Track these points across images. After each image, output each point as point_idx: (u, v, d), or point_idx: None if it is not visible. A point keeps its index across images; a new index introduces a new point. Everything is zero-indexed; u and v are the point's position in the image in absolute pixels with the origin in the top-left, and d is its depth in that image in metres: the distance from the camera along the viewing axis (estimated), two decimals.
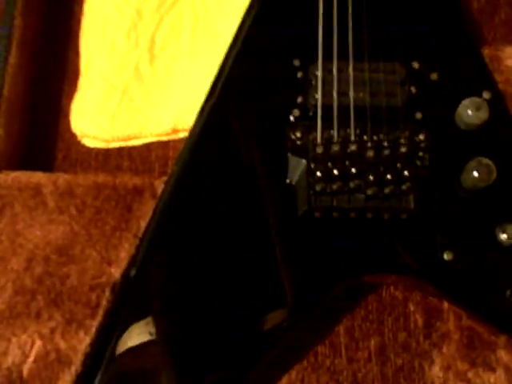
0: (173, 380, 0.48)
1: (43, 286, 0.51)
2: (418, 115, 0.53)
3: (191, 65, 0.62)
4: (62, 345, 0.50)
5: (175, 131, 0.60)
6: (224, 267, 0.50)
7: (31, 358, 0.50)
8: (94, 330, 0.50)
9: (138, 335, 0.48)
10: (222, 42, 0.57)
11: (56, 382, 0.49)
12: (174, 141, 0.61)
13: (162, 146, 0.61)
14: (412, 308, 0.54)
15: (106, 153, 0.61)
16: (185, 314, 0.49)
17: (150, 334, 0.48)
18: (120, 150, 0.61)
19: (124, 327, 0.48)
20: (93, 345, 0.50)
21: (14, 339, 0.50)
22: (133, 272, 0.50)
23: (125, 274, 0.51)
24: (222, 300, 0.49)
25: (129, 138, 0.61)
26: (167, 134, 0.61)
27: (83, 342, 0.50)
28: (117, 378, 0.48)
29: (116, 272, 0.52)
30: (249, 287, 0.50)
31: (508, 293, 0.49)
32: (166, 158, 0.61)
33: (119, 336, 0.48)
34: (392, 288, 0.55)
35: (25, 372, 0.49)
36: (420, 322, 0.54)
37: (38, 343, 0.50)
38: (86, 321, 0.50)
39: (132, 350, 0.48)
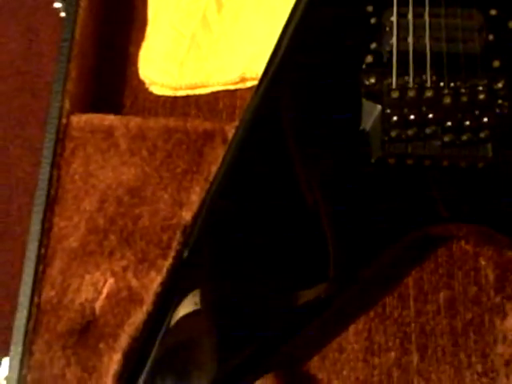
0: (217, 345, 0.48)
1: (115, 226, 0.52)
2: (496, 63, 0.51)
3: (259, 13, 0.62)
4: (134, 283, 0.51)
5: (243, 80, 0.60)
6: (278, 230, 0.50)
7: (103, 295, 0.51)
8: (164, 270, 0.51)
9: (187, 305, 0.48)
10: None
11: (128, 320, 0.50)
12: (241, 90, 0.61)
13: (229, 94, 0.61)
14: (483, 263, 0.54)
15: (174, 100, 0.61)
16: (235, 279, 0.49)
17: (195, 303, 0.48)
18: (187, 98, 0.61)
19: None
20: (164, 284, 0.51)
21: (87, 276, 0.51)
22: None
23: (195, 217, 0.52)
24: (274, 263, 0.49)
25: (196, 87, 0.61)
26: (235, 83, 0.60)
27: (154, 281, 0.50)
28: (168, 347, 0.48)
29: (187, 215, 0.52)
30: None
31: None
32: (234, 107, 0.61)
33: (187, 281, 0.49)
34: (463, 242, 0.54)
35: (97, 308, 0.50)
36: (491, 276, 0.53)
37: (111, 281, 0.51)
38: (158, 261, 0.51)
39: (180, 321, 0.48)
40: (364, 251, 0.49)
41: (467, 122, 0.48)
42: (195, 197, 0.52)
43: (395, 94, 0.50)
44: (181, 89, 0.61)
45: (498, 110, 0.50)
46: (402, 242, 0.51)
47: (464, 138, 0.48)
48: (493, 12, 0.53)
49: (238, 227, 0.50)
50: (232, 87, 0.61)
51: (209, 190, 0.52)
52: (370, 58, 0.52)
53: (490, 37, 0.52)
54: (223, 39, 0.62)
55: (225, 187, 0.51)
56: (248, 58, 0.60)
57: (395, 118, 0.49)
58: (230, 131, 0.54)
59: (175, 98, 0.61)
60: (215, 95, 0.61)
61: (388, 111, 0.49)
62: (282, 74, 0.54)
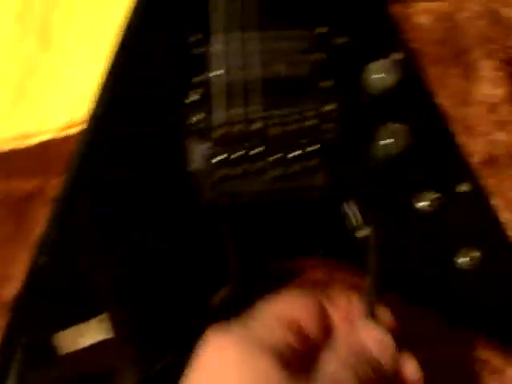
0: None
1: None
2: (326, 83, 0.49)
3: (88, 51, 0.58)
4: None
5: (72, 125, 0.56)
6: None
7: None
8: None
9: (92, 333, 0.44)
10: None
11: None
12: (73, 135, 0.57)
13: (61, 142, 0.57)
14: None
15: (2, 155, 0.56)
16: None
17: (108, 330, 0.44)
18: (17, 150, 0.56)
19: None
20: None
21: None
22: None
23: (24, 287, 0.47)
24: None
25: (26, 137, 0.56)
26: (65, 129, 0.56)
27: None
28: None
29: (10, 291, 0.47)
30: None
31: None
32: (66, 155, 0.56)
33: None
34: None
35: None
36: None
37: None
38: None
39: (88, 350, 0.44)
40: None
41: (295, 153, 0.46)
42: (20, 267, 0.48)
43: (221, 131, 0.47)
44: (9, 141, 0.56)
45: (327, 136, 0.47)
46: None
47: (294, 169, 0.46)
48: (321, 30, 0.51)
49: None
50: (63, 133, 0.56)
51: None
52: (196, 92, 0.49)
53: (318, 56, 0.50)
54: (52, 82, 0.57)
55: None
56: (76, 102, 0.56)
57: (222, 157, 0.46)
58: (54, 188, 0.50)
59: (4, 151, 0.56)
60: (46, 144, 0.57)
61: (214, 150, 0.46)
62: (104, 117, 0.50)
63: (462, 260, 0.46)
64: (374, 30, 0.50)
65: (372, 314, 0.32)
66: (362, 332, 0.31)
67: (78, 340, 0.44)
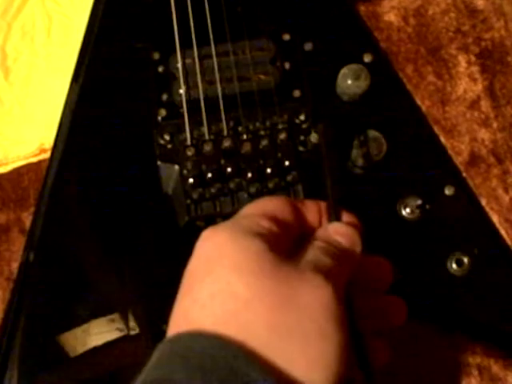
0: None
1: None
2: (296, 93, 0.47)
3: (51, 72, 0.56)
4: None
5: (44, 150, 0.54)
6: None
7: None
8: None
9: (100, 334, 0.44)
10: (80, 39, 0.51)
11: None
12: (46, 160, 0.55)
13: (34, 168, 0.55)
14: None
15: None
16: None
17: (120, 330, 0.44)
18: None
19: None
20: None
21: None
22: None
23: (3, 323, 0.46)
24: None
25: None
26: (36, 155, 0.54)
27: None
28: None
29: None
30: None
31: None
32: (41, 181, 0.55)
33: None
34: None
35: None
36: None
37: None
38: None
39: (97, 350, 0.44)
40: None
41: (269, 169, 0.44)
42: None
43: (190, 152, 0.45)
44: None
45: (302, 148, 0.46)
46: None
47: (271, 185, 0.44)
48: (286, 37, 0.49)
49: None
50: (34, 160, 0.55)
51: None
52: (163, 112, 0.47)
53: (286, 65, 0.48)
54: (16, 108, 0.55)
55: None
56: (45, 126, 0.54)
57: (193, 180, 0.44)
58: (28, 218, 0.48)
59: None
60: (18, 171, 0.55)
61: (185, 172, 0.45)
62: (72, 141, 0.48)
63: (454, 266, 0.44)
64: (342, 32, 0.49)
65: (337, 216, 0.35)
66: (331, 228, 0.34)
67: (87, 340, 0.44)
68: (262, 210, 0.34)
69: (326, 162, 0.38)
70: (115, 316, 0.44)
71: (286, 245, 0.32)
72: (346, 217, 0.36)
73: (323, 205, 0.36)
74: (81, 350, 0.44)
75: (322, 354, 0.28)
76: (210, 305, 0.29)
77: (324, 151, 0.38)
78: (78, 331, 0.43)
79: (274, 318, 0.28)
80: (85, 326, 0.44)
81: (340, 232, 0.34)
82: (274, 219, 0.33)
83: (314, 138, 0.46)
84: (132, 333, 0.44)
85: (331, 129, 0.42)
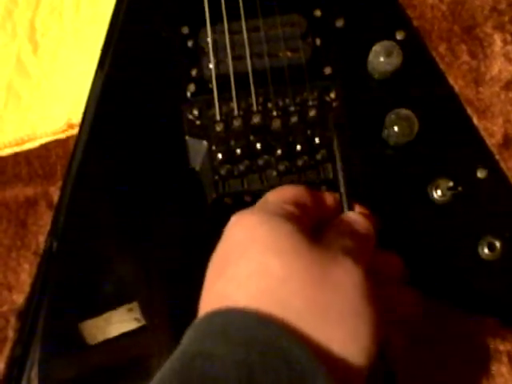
0: None
1: None
2: (327, 70, 0.47)
3: (78, 48, 0.56)
4: None
5: (71, 126, 0.54)
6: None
7: None
8: (2, 365, 0.45)
9: (120, 323, 0.44)
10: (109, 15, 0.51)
11: None
12: (74, 136, 0.55)
13: (61, 144, 0.55)
14: None
15: (1, 161, 0.55)
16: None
17: (137, 320, 0.44)
18: (16, 155, 0.55)
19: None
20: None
21: None
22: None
23: (28, 299, 0.46)
24: None
25: (23, 141, 0.54)
26: (64, 131, 0.54)
27: None
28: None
29: (19, 298, 0.46)
30: None
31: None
32: (68, 157, 0.55)
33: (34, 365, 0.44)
34: None
35: None
36: None
37: None
38: None
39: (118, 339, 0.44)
40: None
41: (299, 146, 0.44)
42: (25, 276, 0.47)
43: (219, 127, 0.45)
44: (5, 147, 0.54)
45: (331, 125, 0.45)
46: None
47: (300, 163, 0.44)
48: (317, 13, 0.48)
49: None
50: (62, 135, 0.55)
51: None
52: (192, 87, 0.47)
53: (317, 41, 0.47)
54: (45, 83, 0.55)
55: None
56: (72, 101, 0.54)
57: (221, 155, 0.44)
58: (55, 193, 0.48)
59: (1, 158, 0.55)
60: (46, 147, 0.55)
61: (214, 147, 0.44)
62: (100, 118, 0.48)
63: (485, 250, 0.44)
64: (374, 9, 0.48)
65: (351, 207, 0.37)
66: (347, 216, 0.36)
67: (107, 329, 0.43)
68: (283, 195, 0.35)
69: (338, 155, 0.39)
70: (133, 305, 0.44)
71: (308, 228, 0.33)
72: (359, 208, 0.37)
73: (338, 196, 0.38)
74: (101, 338, 0.43)
75: (357, 332, 0.29)
76: (245, 284, 0.29)
77: (336, 145, 0.39)
78: (99, 320, 0.43)
79: (310, 295, 0.29)
80: (107, 314, 0.44)
81: (356, 220, 0.35)
82: (295, 204, 0.34)
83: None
84: (149, 323, 0.44)
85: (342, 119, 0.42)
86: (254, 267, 0.30)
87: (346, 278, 0.30)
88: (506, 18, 0.47)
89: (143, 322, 0.44)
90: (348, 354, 0.28)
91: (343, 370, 0.28)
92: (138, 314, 0.44)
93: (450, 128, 0.46)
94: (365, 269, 0.31)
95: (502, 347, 0.43)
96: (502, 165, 0.46)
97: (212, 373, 0.26)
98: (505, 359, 0.43)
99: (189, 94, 0.47)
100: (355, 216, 0.36)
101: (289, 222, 0.31)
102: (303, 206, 0.34)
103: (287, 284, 0.29)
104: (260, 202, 0.36)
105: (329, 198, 0.38)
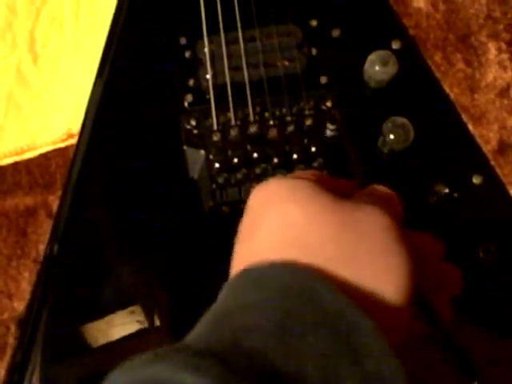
0: None
1: None
2: (323, 79, 0.47)
3: (78, 58, 0.56)
4: None
5: (71, 135, 0.55)
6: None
7: None
8: (3, 372, 0.46)
9: (122, 325, 0.44)
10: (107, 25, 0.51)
11: None
12: (73, 145, 0.55)
13: (61, 153, 0.56)
14: None
15: (1, 171, 0.55)
16: None
17: (139, 322, 0.44)
18: (16, 164, 0.56)
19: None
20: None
21: None
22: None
23: (29, 306, 0.47)
24: None
25: (23, 151, 0.55)
26: (63, 140, 0.55)
27: None
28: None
29: (19, 305, 0.47)
30: None
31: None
32: (68, 166, 0.56)
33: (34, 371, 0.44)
34: None
35: None
36: None
37: None
38: None
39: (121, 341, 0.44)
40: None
41: (295, 155, 0.44)
42: (25, 284, 0.47)
43: (217, 137, 0.45)
44: (5, 157, 0.55)
45: (328, 134, 0.46)
46: None
47: (297, 171, 0.44)
48: (313, 23, 0.49)
49: None
50: (62, 145, 0.55)
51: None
52: (189, 97, 0.47)
53: (313, 51, 0.48)
54: (45, 93, 0.56)
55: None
56: (72, 111, 0.55)
57: (218, 164, 0.44)
58: (55, 202, 0.49)
59: (2, 167, 0.55)
60: (46, 156, 0.56)
61: (211, 157, 0.45)
62: (99, 127, 0.49)
63: (481, 255, 0.44)
64: (370, 18, 0.48)
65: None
66: (370, 186, 0.35)
67: (109, 332, 0.44)
68: (307, 176, 0.34)
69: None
70: (135, 308, 0.45)
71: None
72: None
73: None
74: (103, 341, 0.44)
75: (388, 267, 0.28)
76: (269, 238, 0.29)
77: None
78: (101, 322, 0.44)
79: (335, 236, 0.28)
80: (108, 317, 0.44)
81: (381, 188, 0.34)
82: (320, 181, 0.33)
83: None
84: (151, 325, 0.44)
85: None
86: (276, 220, 0.29)
87: (375, 221, 0.29)
88: (501, 27, 0.48)
89: (145, 325, 0.44)
90: (381, 289, 0.28)
91: (378, 306, 0.27)
92: (139, 316, 0.44)
93: (445, 135, 0.46)
94: (394, 219, 0.30)
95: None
96: (498, 171, 0.46)
97: (250, 322, 0.25)
98: None
99: (186, 104, 0.47)
100: (379, 186, 0.35)
101: (308, 180, 0.31)
102: (322, 181, 0.34)
103: (310, 230, 0.28)
104: None
105: (346, 182, 0.37)
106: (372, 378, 0.24)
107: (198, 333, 0.26)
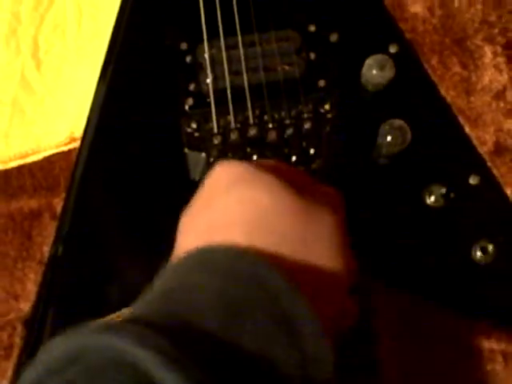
0: None
1: None
2: (321, 83, 0.48)
3: (81, 64, 0.57)
4: None
5: (74, 139, 0.55)
6: None
7: None
8: (10, 372, 0.46)
9: None
10: (109, 31, 0.52)
11: None
12: (76, 149, 0.56)
13: (64, 157, 0.56)
14: None
15: (5, 174, 0.56)
16: None
17: None
18: (20, 168, 0.56)
19: None
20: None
21: None
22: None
23: (35, 306, 0.48)
24: None
25: (27, 155, 0.56)
26: (67, 144, 0.56)
27: None
28: None
29: (25, 306, 0.48)
30: None
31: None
32: (71, 169, 0.56)
33: None
34: None
35: None
36: None
37: None
38: (1, 364, 0.47)
39: None
40: None
41: (294, 157, 0.45)
42: (31, 285, 0.48)
43: (217, 140, 0.46)
44: (11, 160, 0.56)
45: (326, 137, 0.46)
46: None
47: None
48: (311, 28, 0.49)
49: None
50: (65, 148, 0.56)
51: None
52: (190, 101, 0.48)
53: (312, 55, 0.49)
54: (48, 98, 0.57)
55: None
56: (75, 114, 0.55)
57: None
58: (59, 204, 0.50)
59: (6, 170, 0.56)
60: (49, 160, 0.56)
61: (212, 159, 0.46)
62: (101, 130, 0.50)
63: (478, 254, 0.45)
64: (368, 23, 0.49)
65: None
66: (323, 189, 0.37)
67: None
68: (265, 164, 0.36)
69: None
70: None
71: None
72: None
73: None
74: None
75: (332, 247, 0.31)
76: (232, 211, 0.31)
77: None
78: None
79: (295, 222, 0.31)
80: (112, 316, 0.45)
81: (328, 189, 0.37)
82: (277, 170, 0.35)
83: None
84: None
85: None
86: (243, 197, 0.31)
87: (329, 217, 0.32)
88: (496, 30, 0.49)
89: None
90: (327, 265, 0.31)
91: (322, 280, 0.30)
92: None
93: (443, 137, 0.47)
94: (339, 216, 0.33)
95: (496, 346, 0.44)
96: (494, 172, 0.47)
97: (198, 303, 0.27)
98: (499, 358, 0.44)
99: (187, 108, 0.48)
100: (329, 188, 0.37)
101: (275, 176, 0.33)
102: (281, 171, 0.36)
103: (274, 211, 0.30)
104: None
105: (303, 175, 0.39)
106: (308, 359, 0.26)
107: (149, 307, 0.27)
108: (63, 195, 0.51)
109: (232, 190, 0.32)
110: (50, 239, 0.48)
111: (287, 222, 0.31)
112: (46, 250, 0.48)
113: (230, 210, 0.31)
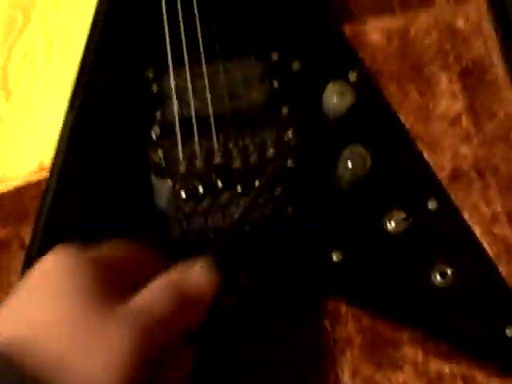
0: None
1: None
2: (284, 110, 0.49)
3: (50, 94, 0.58)
4: None
5: (43, 169, 0.56)
6: None
7: None
8: None
9: None
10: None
11: None
12: (46, 179, 0.57)
13: (34, 186, 0.57)
14: None
15: None
16: None
17: None
18: None
19: None
20: None
21: None
22: None
23: None
24: None
25: None
26: (36, 173, 0.56)
27: None
28: None
29: None
30: None
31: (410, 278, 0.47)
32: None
33: None
34: None
35: None
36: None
37: None
38: None
39: None
40: None
41: (257, 184, 0.46)
42: None
43: (182, 168, 0.47)
44: None
45: (290, 163, 0.48)
46: None
47: (260, 199, 0.46)
48: (274, 56, 0.51)
49: None
50: (34, 178, 0.57)
51: None
52: (157, 130, 0.49)
53: (275, 84, 0.50)
54: (17, 128, 0.57)
55: None
56: (44, 144, 0.56)
57: (184, 194, 0.46)
58: (28, 234, 0.50)
59: None
60: (18, 190, 0.57)
61: (177, 186, 0.47)
62: (69, 159, 0.50)
63: (437, 278, 0.46)
64: (328, 51, 0.51)
65: None
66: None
67: None
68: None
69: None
70: None
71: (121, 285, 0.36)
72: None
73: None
74: None
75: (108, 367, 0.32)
76: (14, 317, 0.34)
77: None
78: None
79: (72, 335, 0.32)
80: None
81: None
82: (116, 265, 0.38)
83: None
84: None
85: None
86: (44, 299, 0.34)
87: (125, 342, 0.32)
88: (452, 58, 0.51)
89: None
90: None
91: None
92: None
93: (402, 162, 0.49)
94: (154, 342, 0.33)
95: (456, 370, 0.45)
96: (452, 197, 0.48)
97: None
98: (459, 382, 0.45)
99: (154, 136, 0.49)
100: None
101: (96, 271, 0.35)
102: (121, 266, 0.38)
103: (47, 331, 0.32)
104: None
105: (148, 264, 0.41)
106: None
107: None
108: (32, 225, 0.52)
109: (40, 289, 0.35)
110: (18, 268, 0.48)
111: (63, 341, 0.32)
112: (14, 279, 0.48)
113: (12, 315, 0.35)
